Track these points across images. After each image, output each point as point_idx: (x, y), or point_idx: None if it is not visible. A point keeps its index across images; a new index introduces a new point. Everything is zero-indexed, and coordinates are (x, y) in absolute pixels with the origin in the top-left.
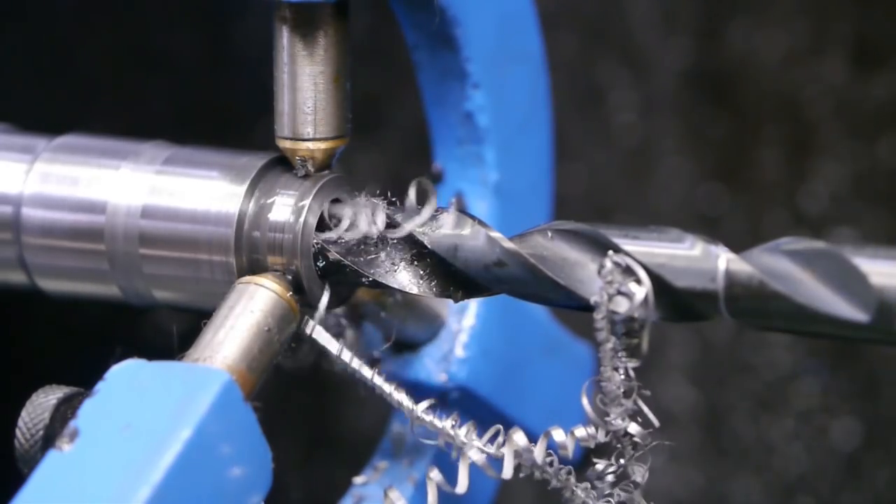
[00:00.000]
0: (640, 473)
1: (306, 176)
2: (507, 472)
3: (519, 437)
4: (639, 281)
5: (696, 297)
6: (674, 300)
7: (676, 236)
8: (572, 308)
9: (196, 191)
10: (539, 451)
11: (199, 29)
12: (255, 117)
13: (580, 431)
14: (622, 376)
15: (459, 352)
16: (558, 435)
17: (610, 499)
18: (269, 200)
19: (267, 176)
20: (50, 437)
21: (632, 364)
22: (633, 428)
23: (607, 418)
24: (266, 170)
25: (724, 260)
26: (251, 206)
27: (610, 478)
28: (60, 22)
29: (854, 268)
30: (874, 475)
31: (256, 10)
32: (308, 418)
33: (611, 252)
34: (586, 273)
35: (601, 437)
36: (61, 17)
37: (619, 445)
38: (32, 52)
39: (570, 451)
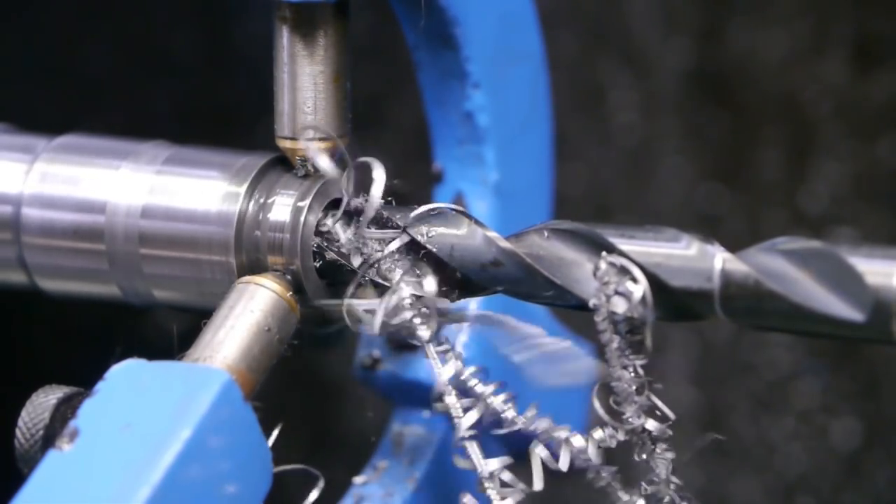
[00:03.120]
0: (664, 467)
1: (306, 176)
2: (538, 484)
3: (541, 450)
4: (635, 280)
5: (693, 297)
6: (670, 300)
7: (673, 236)
8: (569, 307)
9: (196, 191)
10: (564, 461)
11: (199, 29)
12: (255, 117)
13: (598, 434)
14: (631, 374)
15: (459, 352)
16: (577, 441)
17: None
18: (269, 200)
19: (267, 176)
20: (50, 437)
21: (639, 361)
22: (651, 424)
23: (623, 417)
24: (266, 170)
25: (720, 259)
26: (251, 206)
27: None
28: (61, 22)
29: (850, 267)
30: (874, 475)
31: (256, 10)
32: (308, 418)
33: (604, 253)
34: (582, 272)
35: (620, 436)
36: (62, 17)
37: (639, 442)
38: (32, 52)
39: (591, 456)
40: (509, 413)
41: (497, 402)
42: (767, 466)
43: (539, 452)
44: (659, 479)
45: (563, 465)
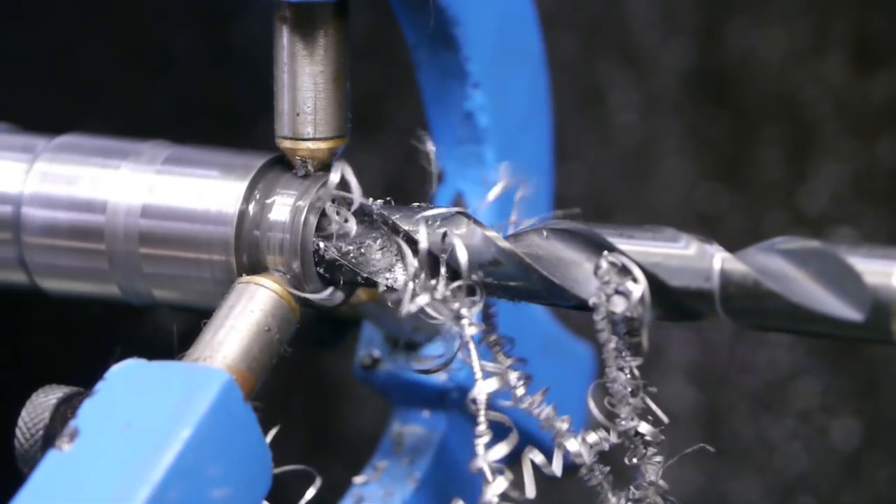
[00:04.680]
0: (654, 472)
1: (306, 176)
2: (531, 491)
3: (535, 455)
4: (635, 280)
5: (691, 297)
6: (669, 299)
7: (671, 235)
8: (568, 307)
9: (196, 190)
10: (557, 465)
11: (199, 29)
12: (255, 117)
13: (592, 437)
14: (627, 375)
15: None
16: (571, 445)
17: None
18: (269, 200)
19: (267, 176)
20: (50, 436)
21: (635, 363)
22: (644, 427)
23: (617, 419)
24: (266, 170)
25: (718, 259)
26: (251, 206)
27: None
28: (60, 22)
29: (849, 267)
30: (874, 475)
31: (256, 9)
32: (308, 418)
33: (606, 252)
34: (581, 272)
35: (613, 438)
36: (61, 17)
37: (631, 445)
38: (32, 52)
39: (585, 458)
40: (519, 391)
41: (512, 376)
42: (767, 466)
43: (532, 458)
44: (648, 483)
45: (557, 469)
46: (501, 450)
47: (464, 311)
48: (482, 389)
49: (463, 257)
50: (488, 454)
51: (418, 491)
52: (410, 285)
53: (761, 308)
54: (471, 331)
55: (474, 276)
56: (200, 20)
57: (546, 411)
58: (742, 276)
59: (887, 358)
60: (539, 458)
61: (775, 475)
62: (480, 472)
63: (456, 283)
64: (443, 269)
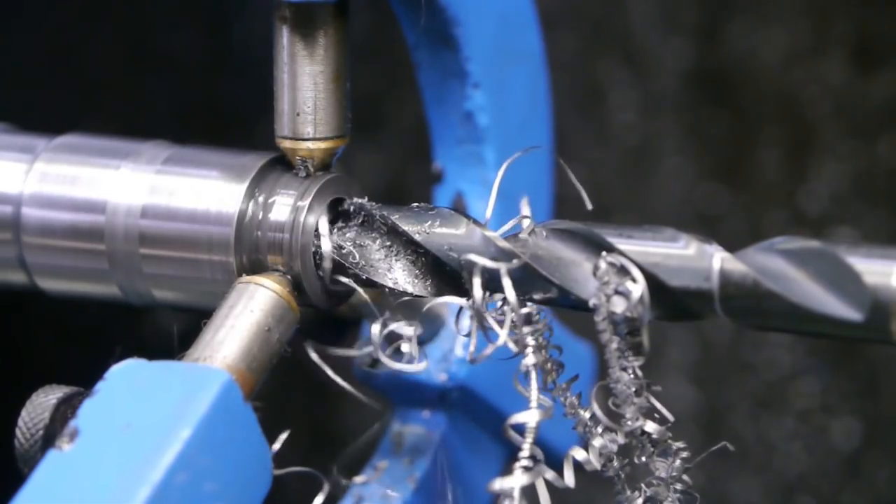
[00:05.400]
0: (663, 469)
1: (306, 176)
2: (570, 481)
3: (547, 472)
4: (634, 280)
5: (691, 296)
6: (668, 299)
7: (671, 235)
8: (568, 307)
9: (196, 191)
10: (569, 477)
11: (199, 29)
12: (255, 117)
13: (598, 441)
14: (631, 375)
15: (459, 352)
16: (579, 454)
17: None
18: (270, 200)
19: (267, 176)
20: (50, 436)
21: (637, 363)
22: (650, 426)
23: (622, 419)
24: (266, 170)
25: (718, 259)
26: (251, 206)
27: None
28: (60, 22)
29: (848, 267)
30: (874, 475)
31: (256, 9)
32: (308, 418)
33: (604, 252)
34: (581, 272)
35: (620, 439)
36: (61, 17)
37: (638, 445)
38: (32, 52)
39: (595, 464)
40: (550, 377)
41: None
42: (767, 466)
43: (545, 475)
44: (659, 480)
45: (569, 481)
46: (528, 479)
47: (529, 340)
48: (531, 418)
49: (511, 296)
50: (515, 479)
51: (418, 491)
52: (474, 327)
53: (761, 308)
54: (533, 359)
55: (528, 305)
56: (200, 20)
57: (571, 399)
58: (741, 276)
59: (887, 358)
60: (550, 474)
61: (775, 475)
62: (505, 493)
63: (524, 311)
64: (510, 297)
